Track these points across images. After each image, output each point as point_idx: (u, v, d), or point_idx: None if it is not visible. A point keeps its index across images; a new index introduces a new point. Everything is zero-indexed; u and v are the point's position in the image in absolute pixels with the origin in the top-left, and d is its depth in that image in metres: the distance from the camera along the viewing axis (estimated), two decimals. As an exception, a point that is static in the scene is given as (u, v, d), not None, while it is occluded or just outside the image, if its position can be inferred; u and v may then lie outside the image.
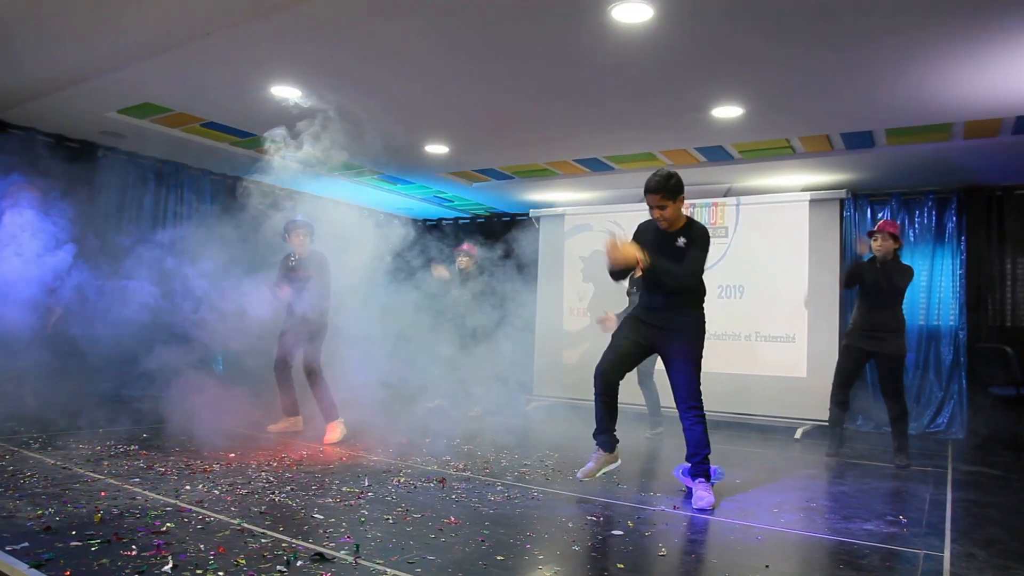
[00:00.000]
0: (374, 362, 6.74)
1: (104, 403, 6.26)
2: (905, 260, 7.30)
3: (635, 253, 3.73)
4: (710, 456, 3.87)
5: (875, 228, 5.34)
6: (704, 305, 4.02)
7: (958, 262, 7.10)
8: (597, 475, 3.99)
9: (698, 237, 3.90)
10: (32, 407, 5.80)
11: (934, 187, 7.18)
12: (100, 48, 4.66)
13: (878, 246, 5.25)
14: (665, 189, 3.81)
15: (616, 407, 4.04)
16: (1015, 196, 6.93)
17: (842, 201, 7.01)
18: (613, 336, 4.10)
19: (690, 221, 3.98)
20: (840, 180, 7.10)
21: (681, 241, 3.89)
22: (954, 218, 7.16)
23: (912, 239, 7.31)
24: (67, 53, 4.78)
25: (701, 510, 3.62)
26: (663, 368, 4.09)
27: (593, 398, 4.05)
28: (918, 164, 6.41)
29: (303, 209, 5.60)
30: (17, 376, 5.70)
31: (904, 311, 5.27)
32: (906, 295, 7.13)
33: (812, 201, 6.98)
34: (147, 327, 6.68)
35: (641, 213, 4.04)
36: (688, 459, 3.89)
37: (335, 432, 5.19)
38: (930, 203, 7.26)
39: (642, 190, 3.88)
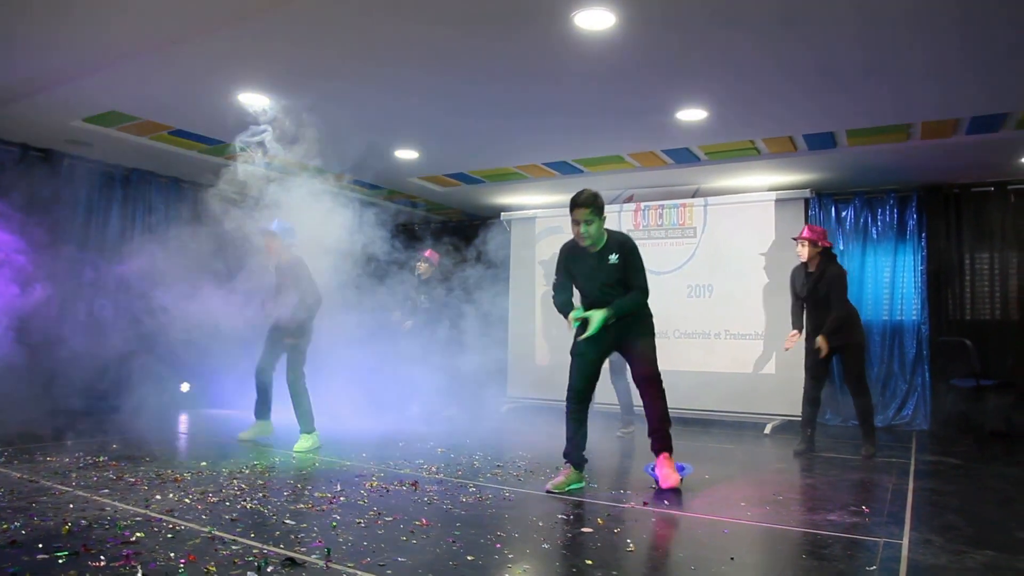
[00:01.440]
0: (349, 368, 6.76)
1: (73, 416, 6.20)
2: (868, 257, 7.50)
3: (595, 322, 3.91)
4: (675, 454, 3.95)
5: (797, 235, 5.50)
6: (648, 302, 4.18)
7: (919, 258, 7.27)
8: (564, 489, 4.03)
9: (630, 251, 4.07)
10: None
11: (895, 186, 7.35)
12: (63, 56, 4.63)
13: (799, 252, 5.46)
14: (594, 205, 3.96)
15: (586, 426, 4.13)
16: (972, 194, 7.12)
17: (807, 200, 7.16)
18: (574, 354, 4.15)
19: (611, 235, 4.11)
20: (805, 180, 7.25)
21: (613, 258, 4.03)
22: (915, 216, 7.34)
23: (875, 237, 7.47)
24: (29, 61, 4.74)
25: (670, 489, 3.69)
26: None
27: (565, 411, 4.12)
28: (879, 164, 6.57)
29: (277, 215, 5.53)
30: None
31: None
32: (869, 290, 7.29)
33: (778, 200, 7.12)
34: (116, 340, 6.64)
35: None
36: (650, 434, 4.00)
37: (306, 442, 5.16)
38: (892, 201, 7.42)
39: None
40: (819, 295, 5.34)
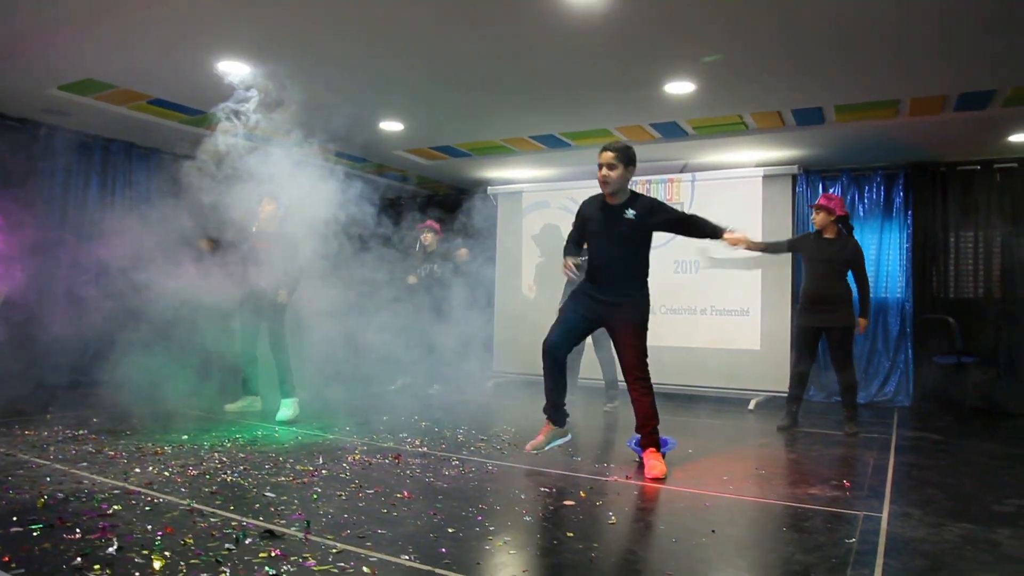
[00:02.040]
0: (335, 339, 6.70)
1: (53, 391, 6.13)
2: (855, 234, 7.51)
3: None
4: (659, 427, 3.94)
5: (815, 202, 5.50)
6: (648, 280, 4.09)
7: (905, 236, 7.28)
8: (546, 448, 4.03)
9: (652, 202, 4.01)
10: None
11: (882, 163, 7.34)
12: (33, 17, 4.50)
13: (814, 218, 5.44)
14: (622, 151, 3.90)
15: (565, 381, 4.07)
16: (958, 172, 7.12)
17: (794, 177, 7.13)
18: (561, 310, 4.13)
19: (636, 194, 4.05)
20: (792, 156, 7.22)
21: (630, 213, 3.93)
22: (901, 193, 7.33)
23: (862, 214, 7.47)
24: None
25: (653, 479, 3.68)
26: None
27: (542, 372, 4.06)
28: (867, 141, 6.54)
29: (266, 188, 5.43)
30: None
31: (853, 283, 5.40)
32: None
33: (765, 177, 7.09)
34: (97, 314, 6.55)
35: (598, 189, 4.06)
36: (637, 430, 3.95)
37: (288, 410, 5.15)
38: (879, 179, 7.41)
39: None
40: (836, 264, 5.30)
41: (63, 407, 5.38)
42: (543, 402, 4.06)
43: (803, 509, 3.21)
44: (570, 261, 4.03)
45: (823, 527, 2.93)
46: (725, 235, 4.05)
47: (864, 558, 2.55)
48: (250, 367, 5.57)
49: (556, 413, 4.06)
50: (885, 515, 3.11)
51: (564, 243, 4.23)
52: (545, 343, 4.02)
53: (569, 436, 4.15)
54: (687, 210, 7.26)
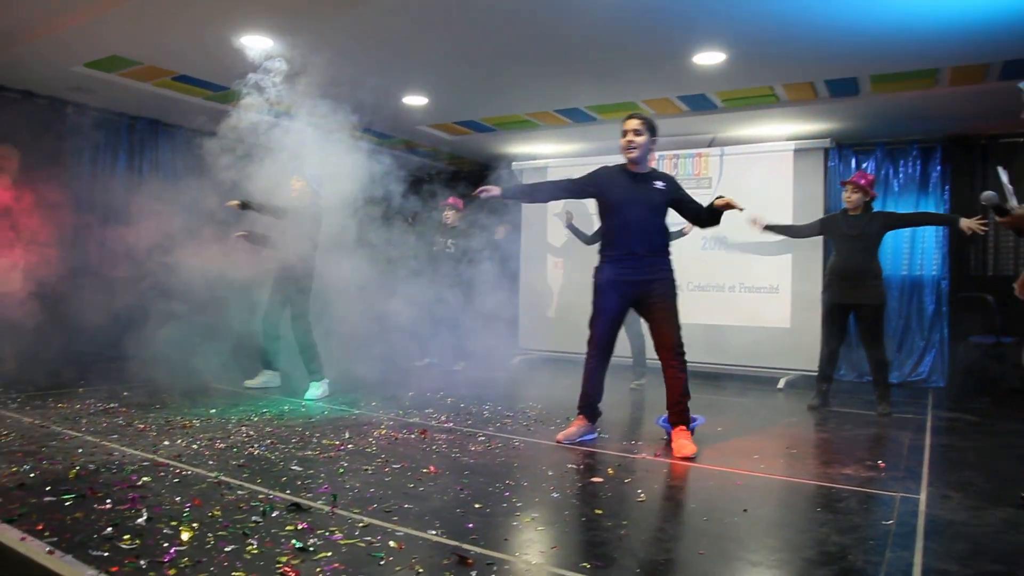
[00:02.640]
0: (361, 316, 6.70)
1: (85, 363, 6.22)
2: (889, 209, 7.32)
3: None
4: (689, 404, 3.88)
5: (847, 180, 5.35)
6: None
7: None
8: (575, 440, 3.98)
9: (679, 186, 4.01)
10: (11, 368, 5.74)
11: (918, 136, 7.12)
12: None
13: (846, 197, 5.30)
14: (647, 119, 3.93)
15: (604, 379, 4.05)
16: (999, 145, 6.89)
17: (826, 151, 6.96)
18: (595, 305, 4.02)
19: (653, 168, 4.07)
20: (825, 129, 7.03)
21: (660, 184, 3.91)
22: (938, 168, 7.13)
23: (896, 189, 7.28)
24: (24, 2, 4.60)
25: (683, 458, 3.63)
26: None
27: (585, 366, 4.03)
28: (903, 112, 6.35)
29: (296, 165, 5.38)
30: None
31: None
32: (888, 245, 7.11)
33: (796, 151, 6.93)
34: (128, 289, 6.61)
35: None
36: (669, 407, 3.89)
37: (317, 390, 5.14)
38: (915, 153, 7.21)
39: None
40: (867, 239, 5.17)
41: (95, 381, 5.44)
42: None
43: (837, 489, 3.14)
44: (495, 190, 4.07)
45: (859, 508, 2.87)
46: (716, 201, 3.91)
47: (903, 540, 2.48)
48: (271, 343, 5.53)
49: (592, 410, 4.03)
50: (923, 497, 3.03)
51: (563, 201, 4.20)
52: (591, 344, 3.98)
53: (596, 435, 4.09)
54: (715, 186, 7.20)
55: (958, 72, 5.30)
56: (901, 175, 7.29)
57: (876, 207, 5.56)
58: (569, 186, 4.13)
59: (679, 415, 3.84)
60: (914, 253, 7.19)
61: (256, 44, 5.10)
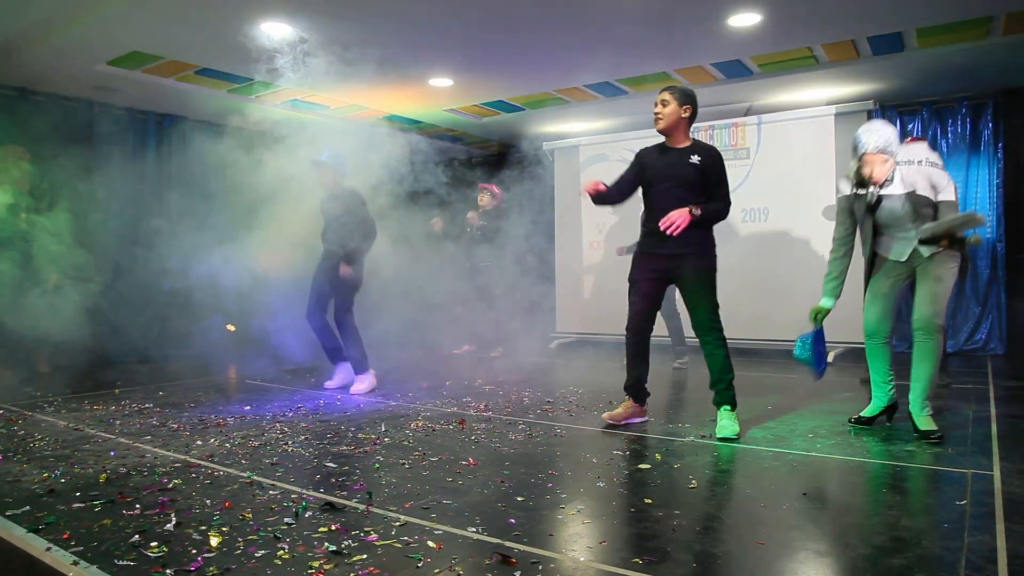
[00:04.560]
0: (395, 306, 6.61)
1: (121, 365, 6.24)
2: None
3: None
4: (735, 383, 3.68)
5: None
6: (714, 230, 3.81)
7: (995, 171, 6.72)
8: (621, 422, 3.82)
9: (715, 158, 3.72)
10: (47, 371, 5.77)
11: (968, 93, 6.75)
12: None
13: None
14: (678, 89, 3.72)
15: (648, 357, 3.87)
16: (1057, 95, 6.50)
17: (869, 113, 6.63)
18: (631, 283, 3.85)
19: (697, 141, 3.80)
20: (867, 91, 6.71)
21: (695, 159, 3.66)
22: (990, 124, 6.76)
23: (945, 150, 6.92)
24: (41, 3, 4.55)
25: (723, 439, 3.45)
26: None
27: (625, 347, 3.87)
28: (952, 68, 6.00)
29: (326, 146, 5.20)
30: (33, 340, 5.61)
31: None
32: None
33: (838, 115, 6.62)
34: (161, 290, 6.61)
35: (658, 138, 3.78)
36: (712, 386, 3.70)
37: (363, 384, 4.97)
38: (964, 110, 6.84)
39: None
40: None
41: (130, 382, 5.42)
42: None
43: (902, 467, 2.93)
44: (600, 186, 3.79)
45: (928, 487, 2.67)
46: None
47: (981, 522, 2.28)
48: (325, 338, 5.17)
49: (639, 391, 3.87)
50: (997, 473, 2.81)
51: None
52: (629, 324, 3.82)
53: (647, 417, 3.93)
54: (753, 156, 6.93)
55: (1013, 18, 4.96)
56: (950, 134, 6.93)
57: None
58: (626, 178, 3.91)
59: (723, 394, 3.65)
60: (967, 216, 6.83)
61: (276, 31, 4.99)
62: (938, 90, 6.73)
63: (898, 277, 3.70)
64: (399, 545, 2.13)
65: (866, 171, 3.51)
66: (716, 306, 3.69)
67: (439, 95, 6.86)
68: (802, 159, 6.73)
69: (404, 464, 3.05)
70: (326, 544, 2.12)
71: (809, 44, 5.54)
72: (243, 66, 5.75)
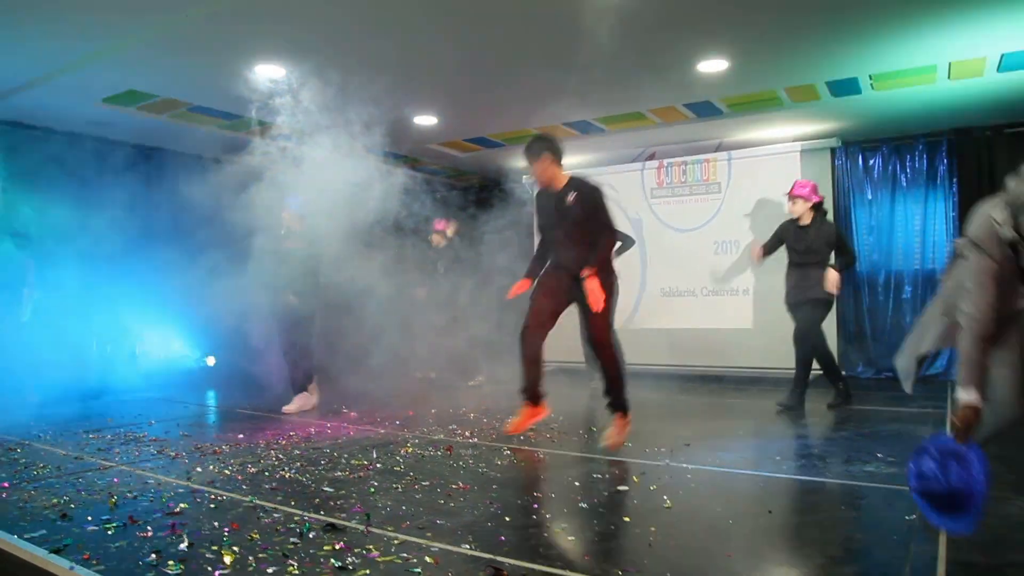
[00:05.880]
0: (377, 338, 6.77)
1: (108, 397, 6.33)
2: (898, 205, 7.35)
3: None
4: (628, 405, 4.14)
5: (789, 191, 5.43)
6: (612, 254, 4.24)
7: (951, 204, 7.11)
8: (525, 427, 4.22)
9: (589, 192, 4.09)
10: (36, 404, 5.85)
11: (924, 131, 7.16)
12: (76, 36, 4.62)
13: (791, 208, 5.39)
14: (528, 153, 4.17)
15: (542, 363, 4.26)
16: (1005, 136, 6.91)
17: (833, 150, 7.03)
18: (532, 297, 4.29)
19: (573, 178, 4.20)
20: (830, 128, 7.09)
21: (570, 197, 4.07)
22: (945, 161, 7.17)
23: (904, 184, 7.32)
24: (39, 51, 4.74)
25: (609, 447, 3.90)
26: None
27: (520, 358, 4.25)
28: (906, 109, 6.40)
29: (297, 188, 5.50)
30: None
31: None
32: (900, 240, 7.11)
33: (803, 151, 7.00)
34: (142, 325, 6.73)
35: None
36: (604, 395, 4.15)
37: (296, 404, 5.44)
38: (921, 147, 7.25)
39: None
40: (815, 252, 5.24)
41: (121, 414, 5.53)
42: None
43: (860, 487, 3.18)
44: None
45: (883, 504, 2.91)
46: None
47: (926, 534, 2.52)
48: (294, 371, 5.65)
49: (533, 395, 4.30)
50: (945, 490, 3.06)
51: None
52: (522, 330, 4.26)
53: (549, 412, 4.45)
54: (723, 191, 7.25)
55: (958, 66, 5.34)
56: (908, 170, 7.33)
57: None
58: (538, 231, 4.50)
59: (613, 404, 4.13)
60: (925, 247, 7.22)
61: (268, 72, 5.22)
62: (896, 129, 7.13)
63: None
64: (399, 561, 2.32)
65: None
66: (609, 323, 4.15)
67: (423, 132, 7.11)
68: (771, 193, 7.06)
69: (397, 488, 3.24)
70: (332, 560, 2.31)
71: (773, 87, 5.89)
72: (235, 104, 5.98)
